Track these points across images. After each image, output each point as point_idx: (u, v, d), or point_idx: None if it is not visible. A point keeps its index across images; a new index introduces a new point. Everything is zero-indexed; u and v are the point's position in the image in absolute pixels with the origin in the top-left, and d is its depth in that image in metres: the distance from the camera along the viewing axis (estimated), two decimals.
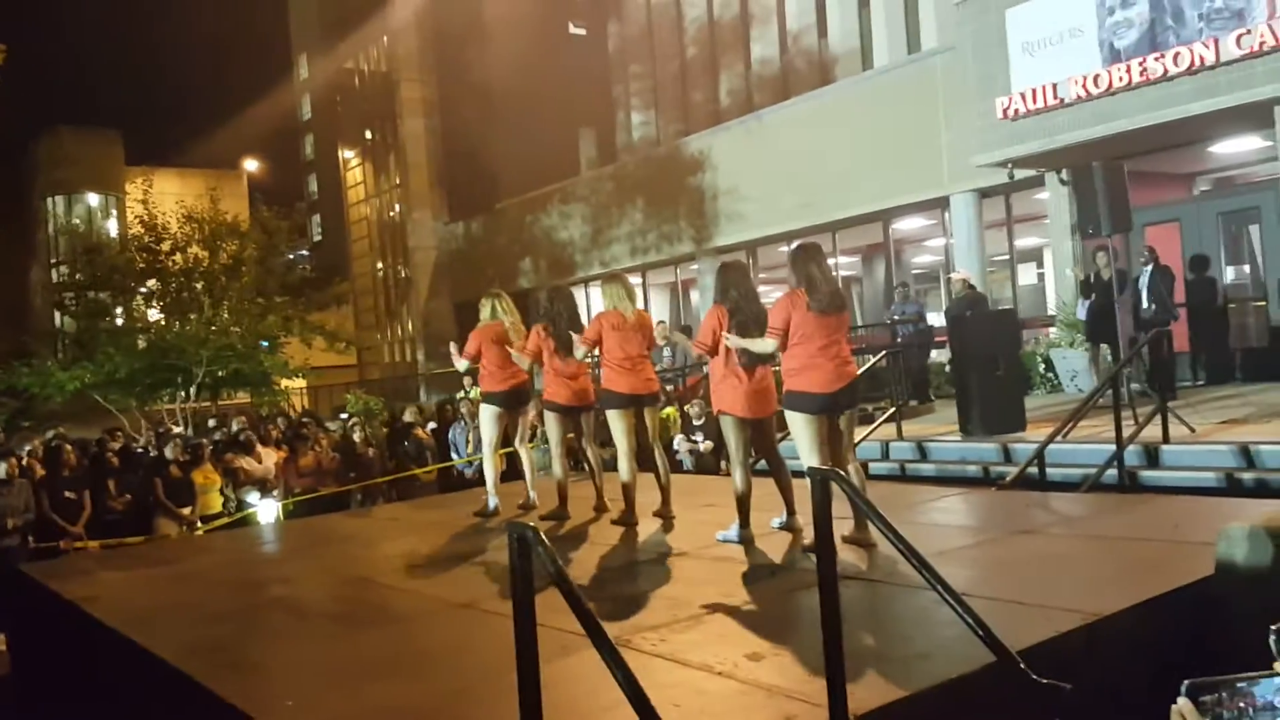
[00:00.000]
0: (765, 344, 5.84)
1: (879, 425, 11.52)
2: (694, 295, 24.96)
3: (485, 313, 7.99)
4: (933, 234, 20.02)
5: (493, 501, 7.97)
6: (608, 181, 26.38)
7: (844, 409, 5.80)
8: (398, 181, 43.32)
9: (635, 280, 25.34)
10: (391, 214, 44.60)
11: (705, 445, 11.98)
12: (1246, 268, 14.18)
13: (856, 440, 10.97)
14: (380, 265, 46.25)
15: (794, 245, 6.36)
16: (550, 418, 7.54)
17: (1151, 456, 8.93)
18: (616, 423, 7.04)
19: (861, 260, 22.73)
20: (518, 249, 29.21)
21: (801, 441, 5.74)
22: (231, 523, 10.93)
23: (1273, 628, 1.42)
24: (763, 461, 6.62)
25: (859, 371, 6.17)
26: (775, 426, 6.46)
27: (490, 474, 8.01)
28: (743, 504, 6.15)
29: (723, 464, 11.00)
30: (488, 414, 7.90)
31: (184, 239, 21.26)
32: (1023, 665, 3.18)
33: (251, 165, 48.30)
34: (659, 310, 24.48)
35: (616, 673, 2.52)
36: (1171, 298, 12.22)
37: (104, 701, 5.63)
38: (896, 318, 14.81)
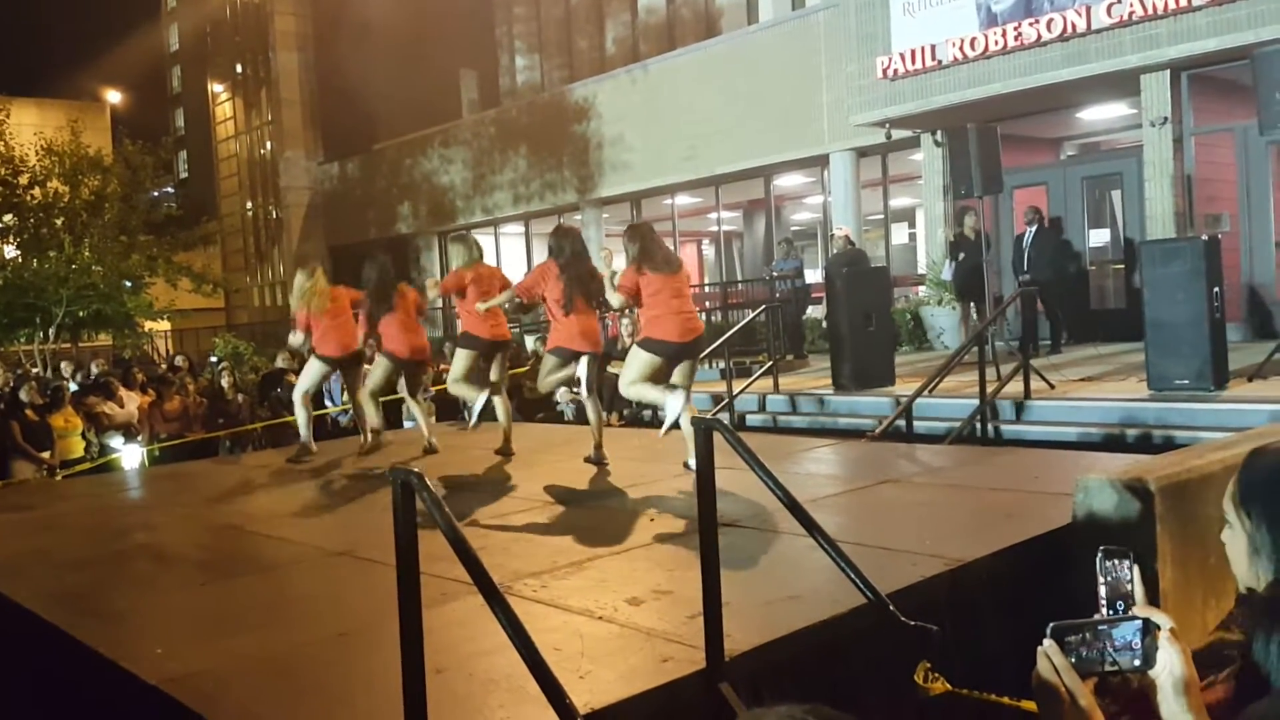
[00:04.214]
0: (614, 298, 6.55)
1: (756, 378, 11.71)
2: None
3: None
4: (812, 191, 20.28)
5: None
6: (490, 126, 25.98)
7: (690, 358, 6.51)
8: (270, 118, 41.83)
9: (519, 229, 25.15)
10: (263, 152, 43.09)
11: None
12: (1108, 232, 14.76)
13: (735, 392, 11.20)
14: (250, 205, 44.73)
15: (626, 227, 6.93)
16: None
17: (1014, 411, 9.29)
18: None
19: (743, 215, 22.92)
20: (396, 193, 28.54)
21: (631, 374, 6.36)
22: (93, 468, 10.55)
23: (1100, 548, 1.49)
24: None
25: (727, 328, 6.48)
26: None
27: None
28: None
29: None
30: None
31: (43, 172, 20.36)
32: (892, 608, 3.29)
33: (115, 97, 45.86)
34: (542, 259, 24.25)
35: (500, 616, 2.52)
36: (1061, 257, 12.69)
37: None
38: (776, 273, 15.01)
